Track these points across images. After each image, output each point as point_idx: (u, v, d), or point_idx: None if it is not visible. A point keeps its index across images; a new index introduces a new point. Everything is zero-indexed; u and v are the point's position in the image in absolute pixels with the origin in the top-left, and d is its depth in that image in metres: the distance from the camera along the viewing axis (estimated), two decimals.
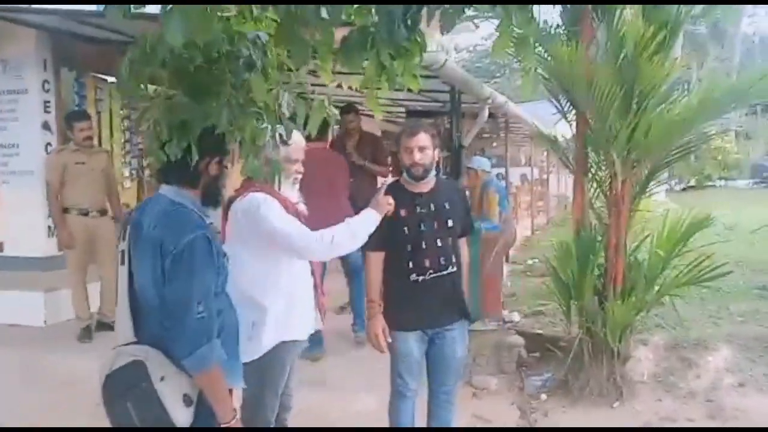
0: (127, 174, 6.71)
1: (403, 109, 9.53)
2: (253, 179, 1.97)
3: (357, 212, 2.79)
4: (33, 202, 5.62)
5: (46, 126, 5.75)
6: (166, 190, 2.00)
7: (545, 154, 17.64)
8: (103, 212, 5.30)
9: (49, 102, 5.76)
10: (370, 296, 2.96)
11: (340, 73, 1.95)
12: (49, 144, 5.74)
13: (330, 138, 5.56)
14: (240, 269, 2.36)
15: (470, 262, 4.70)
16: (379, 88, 1.86)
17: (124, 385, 1.81)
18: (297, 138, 2.80)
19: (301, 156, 2.82)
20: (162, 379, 1.79)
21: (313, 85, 2.18)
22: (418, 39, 1.73)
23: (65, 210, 5.17)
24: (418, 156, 2.86)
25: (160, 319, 1.86)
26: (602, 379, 4.22)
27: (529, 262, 9.05)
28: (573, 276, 4.28)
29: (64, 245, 5.22)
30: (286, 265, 2.60)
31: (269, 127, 1.87)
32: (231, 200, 2.60)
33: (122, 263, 1.98)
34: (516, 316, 5.11)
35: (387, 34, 1.60)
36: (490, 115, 8.09)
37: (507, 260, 8.84)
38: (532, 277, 8.19)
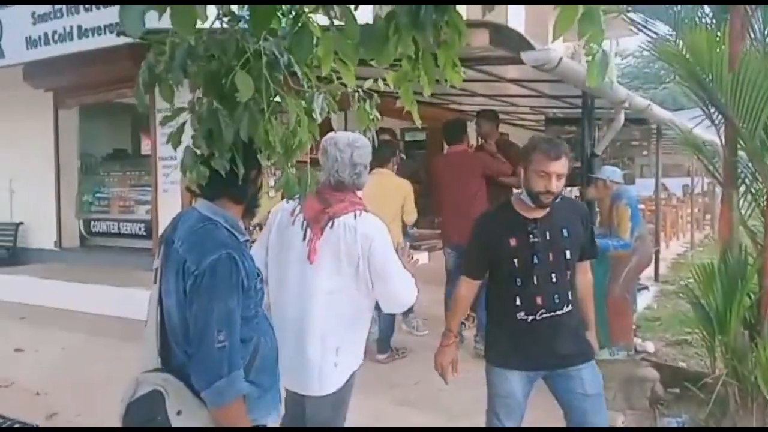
0: (271, 184, 7.00)
1: (542, 117, 8.92)
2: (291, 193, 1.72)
3: None
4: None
5: None
6: (200, 204, 1.80)
7: (693, 165, 15.76)
8: None
9: None
10: (449, 325, 2.61)
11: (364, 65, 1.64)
12: None
13: (468, 141, 5.25)
14: (339, 292, 2.28)
15: (597, 284, 4.20)
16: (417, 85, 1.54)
17: (143, 417, 1.66)
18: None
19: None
20: (179, 413, 1.62)
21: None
22: (457, 23, 1.39)
23: None
24: (554, 185, 2.39)
25: (183, 346, 1.70)
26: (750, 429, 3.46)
27: (682, 283, 7.99)
28: (717, 305, 3.57)
29: None
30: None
31: (300, 136, 1.63)
32: (329, 215, 2.34)
33: (155, 282, 1.81)
34: (650, 346, 4.43)
35: (409, 17, 1.29)
36: (641, 120, 7.26)
37: (656, 279, 7.90)
38: (683, 299, 7.19)
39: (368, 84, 1.73)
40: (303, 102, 1.65)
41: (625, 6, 4.16)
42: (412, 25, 1.31)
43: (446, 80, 1.54)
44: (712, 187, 17.14)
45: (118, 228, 7.60)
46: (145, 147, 7.51)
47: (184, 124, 1.69)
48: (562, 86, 6.43)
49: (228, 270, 1.65)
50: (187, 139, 1.70)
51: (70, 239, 8.21)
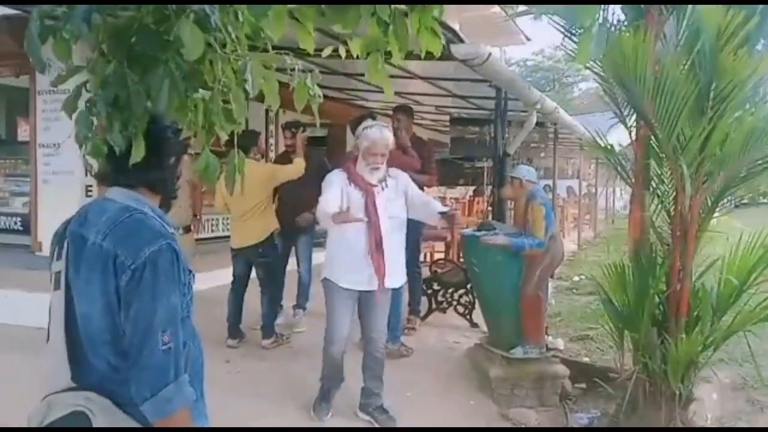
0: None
1: (446, 117, 8.92)
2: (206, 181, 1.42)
3: None
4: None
5: None
6: (115, 193, 1.53)
7: (592, 166, 16.71)
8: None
9: None
10: None
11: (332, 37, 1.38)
12: None
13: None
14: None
15: (512, 283, 4.15)
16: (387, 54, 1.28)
17: None
18: (381, 132, 3.28)
19: (382, 150, 3.27)
20: None
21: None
22: None
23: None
24: None
25: (108, 357, 1.43)
26: (660, 422, 3.50)
27: (576, 278, 8.30)
28: (629, 303, 3.60)
29: None
30: None
31: (235, 109, 1.33)
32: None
33: (57, 288, 1.50)
34: (560, 343, 4.45)
35: None
36: (539, 123, 7.41)
37: (552, 276, 8.13)
38: (578, 295, 7.44)
39: (327, 52, 1.44)
40: (233, 70, 1.33)
41: (514, 11, 4.09)
42: None
43: (422, 52, 1.28)
44: (590, 190, 18.26)
45: None
46: (23, 133, 6.66)
47: (82, 86, 1.36)
48: (468, 86, 6.43)
49: (170, 262, 1.43)
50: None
51: None
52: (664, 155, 3.46)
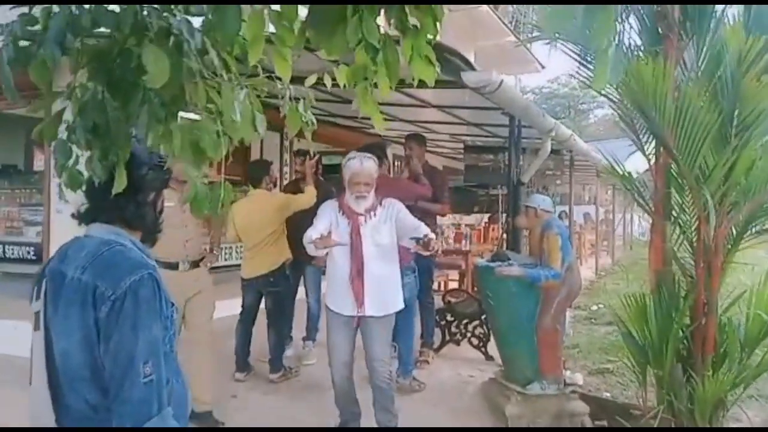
0: None
1: (461, 145, 8.81)
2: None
3: None
4: None
5: None
6: (95, 229, 1.51)
7: (609, 192, 16.47)
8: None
9: None
10: None
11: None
12: None
13: (389, 165, 4.89)
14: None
15: (527, 315, 3.97)
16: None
17: None
18: (362, 162, 3.33)
19: (365, 179, 3.30)
20: None
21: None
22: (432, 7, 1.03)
23: None
24: None
25: (86, 395, 1.39)
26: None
27: (594, 308, 8.04)
28: (651, 337, 3.40)
29: None
30: None
31: (221, 139, 1.22)
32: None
33: (37, 328, 1.47)
34: (579, 378, 4.24)
35: None
36: (555, 151, 7.28)
37: (569, 306, 7.90)
38: (597, 325, 7.19)
39: (310, 81, 1.34)
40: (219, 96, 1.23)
41: (528, 37, 4.00)
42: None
43: (414, 80, 1.16)
44: (607, 216, 17.99)
45: (4, 251, 6.66)
46: (38, 162, 6.67)
47: (61, 113, 1.29)
48: (482, 114, 6.33)
49: (151, 292, 1.39)
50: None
51: None
52: (686, 184, 3.30)
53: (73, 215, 1.55)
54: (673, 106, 2.88)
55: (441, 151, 11.21)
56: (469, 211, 10.18)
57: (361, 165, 3.34)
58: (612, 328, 6.83)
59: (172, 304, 1.51)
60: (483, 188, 9.93)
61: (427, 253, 3.28)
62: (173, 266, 3.60)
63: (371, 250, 3.32)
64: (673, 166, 3.32)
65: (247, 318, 4.65)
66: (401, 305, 3.50)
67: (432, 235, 3.16)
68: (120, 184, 1.28)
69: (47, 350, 1.43)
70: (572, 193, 8.44)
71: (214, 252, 4.14)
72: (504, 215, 9.72)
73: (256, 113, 1.26)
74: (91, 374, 1.37)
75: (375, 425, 3.47)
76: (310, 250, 3.29)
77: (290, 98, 1.30)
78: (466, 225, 10.09)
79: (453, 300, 5.72)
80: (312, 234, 3.24)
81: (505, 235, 6.17)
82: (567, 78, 36.88)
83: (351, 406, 3.54)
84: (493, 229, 10.72)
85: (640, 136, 3.56)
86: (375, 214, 3.37)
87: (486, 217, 11.65)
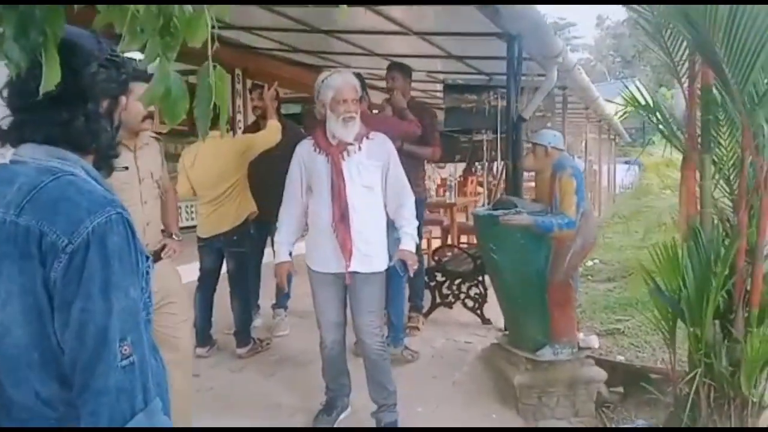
0: None
1: (437, 86, 8.47)
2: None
3: None
4: None
5: None
6: (26, 151, 1.14)
7: (587, 142, 16.42)
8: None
9: None
10: None
11: None
12: None
13: (369, 102, 4.50)
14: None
15: (537, 270, 3.74)
16: None
17: None
18: (344, 77, 3.00)
19: (352, 95, 2.95)
20: None
21: None
22: None
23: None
24: None
25: (36, 386, 1.09)
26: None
27: (589, 263, 7.94)
28: (686, 292, 3.20)
29: None
30: None
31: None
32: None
33: None
34: (594, 341, 4.05)
35: None
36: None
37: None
38: (594, 282, 7.09)
39: None
40: None
41: None
42: None
43: None
44: (590, 165, 18.02)
45: None
46: None
47: None
48: (467, 43, 5.98)
49: (124, 238, 1.08)
50: None
51: None
52: (728, 109, 3.05)
53: None
54: (726, 12, 2.60)
55: (414, 94, 10.83)
56: (450, 159, 9.87)
57: (343, 78, 2.99)
58: (612, 285, 6.75)
59: (147, 257, 1.19)
60: (465, 134, 9.62)
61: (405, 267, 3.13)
62: None
63: (357, 190, 2.98)
64: (715, 88, 3.06)
65: (207, 284, 4.29)
66: (387, 262, 3.20)
67: (416, 241, 3.13)
68: (51, 78, 0.92)
69: None
70: (565, 136, 8.20)
71: (176, 237, 3.08)
72: (487, 163, 9.50)
73: None
74: (41, 357, 1.07)
75: (369, 403, 3.22)
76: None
77: None
78: (449, 176, 9.81)
79: (442, 258, 5.47)
80: (282, 216, 3.15)
81: (502, 183, 5.92)
82: None
83: (340, 377, 3.29)
84: (471, 182, 10.45)
85: (673, 56, 3.28)
86: (360, 148, 3.01)
87: (460, 168, 11.35)
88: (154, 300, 1.22)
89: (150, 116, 2.76)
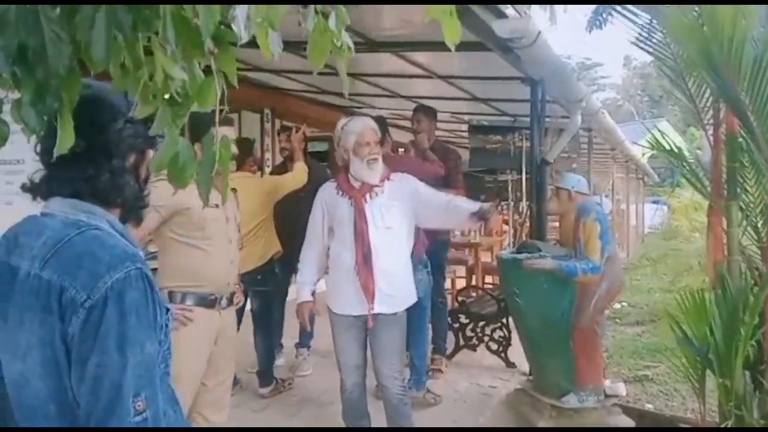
0: None
1: (463, 126, 8.50)
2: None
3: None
4: None
5: None
6: (57, 204, 1.18)
7: (613, 181, 16.26)
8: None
9: None
10: None
11: None
12: None
13: (391, 143, 4.53)
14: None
15: (561, 315, 3.67)
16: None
17: None
18: (363, 121, 3.07)
19: (373, 138, 2.99)
20: None
21: None
22: None
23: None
24: None
25: None
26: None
27: (617, 306, 7.77)
28: (714, 341, 3.10)
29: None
30: None
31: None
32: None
33: None
34: (622, 388, 3.95)
35: None
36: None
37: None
38: (622, 325, 6.92)
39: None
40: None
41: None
42: None
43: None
44: (617, 204, 17.80)
45: None
46: None
47: None
48: (492, 87, 6.01)
49: (142, 294, 1.09)
50: None
51: None
52: (758, 155, 3.00)
53: (24, 186, 1.21)
54: (751, 57, 2.57)
55: (439, 134, 10.87)
56: (475, 199, 9.85)
57: (363, 122, 3.06)
58: (641, 329, 6.58)
59: (167, 310, 1.22)
60: (490, 174, 9.62)
61: (490, 226, 3.01)
62: (210, 303, 2.66)
63: (380, 232, 2.98)
64: (741, 135, 3.02)
65: None
66: (414, 298, 3.18)
67: (486, 205, 2.92)
68: (65, 141, 0.94)
69: None
70: (591, 178, 8.13)
71: (239, 285, 2.96)
72: (512, 203, 9.45)
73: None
74: (57, 410, 1.08)
75: None
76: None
77: (315, 11, 0.95)
78: None
79: (466, 299, 5.41)
80: (304, 256, 3.16)
81: (527, 224, 5.88)
82: (564, 60, 36.76)
83: (361, 420, 3.25)
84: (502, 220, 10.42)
85: (697, 102, 3.25)
86: (382, 191, 3.04)
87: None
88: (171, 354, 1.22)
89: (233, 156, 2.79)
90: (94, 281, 1.06)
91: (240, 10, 0.89)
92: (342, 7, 1.02)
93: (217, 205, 2.61)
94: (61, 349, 1.06)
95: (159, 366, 1.12)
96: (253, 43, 0.91)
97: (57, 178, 1.17)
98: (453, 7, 0.89)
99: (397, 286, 3.06)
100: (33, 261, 1.11)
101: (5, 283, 1.13)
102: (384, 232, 3.00)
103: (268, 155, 8.74)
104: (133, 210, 1.25)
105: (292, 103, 8.23)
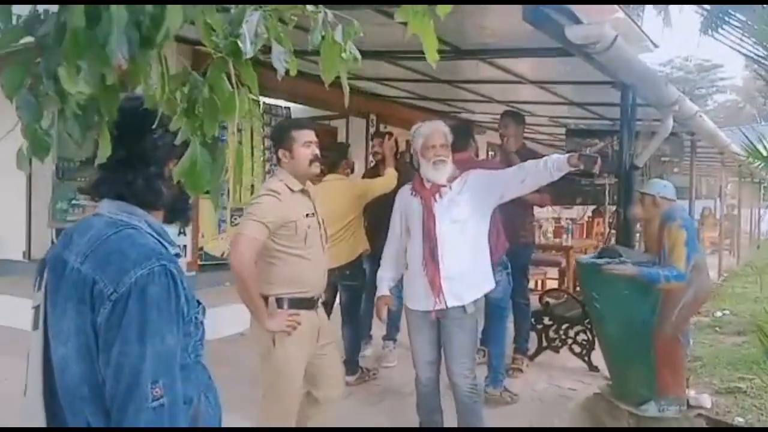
0: None
1: (561, 130, 8.19)
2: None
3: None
4: None
5: None
6: (105, 206, 1.27)
7: (729, 185, 15.00)
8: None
9: None
10: None
11: None
12: None
13: (476, 149, 4.46)
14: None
15: (643, 322, 3.44)
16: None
17: None
18: (433, 125, 3.06)
19: (440, 141, 2.99)
20: None
21: None
22: None
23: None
24: None
25: (88, 417, 1.15)
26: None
27: (718, 314, 7.19)
28: None
29: None
30: None
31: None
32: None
33: (35, 327, 1.24)
34: (706, 399, 3.64)
35: None
36: (672, 133, 6.51)
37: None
38: (722, 335, 6.39)
39: None
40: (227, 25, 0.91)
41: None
42: None
43: None
44: (730, 210, 16.42)
45: None
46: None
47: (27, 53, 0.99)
48: (588, 90, 5.75)
49: (164, 289, 1.14)
50: None
51: (40, 250, 7.46)
52: None
53: (81, 189, 1.35)
54: None
55: (538, 138, 10.55)
56: (571, 202, 9.47)
57: (432, 126, 3.07)
58: (741, 339, 6.05)
59: (199, 303, 1.26)
60: (587, 177, 9.20)
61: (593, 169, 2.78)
62: (310, 303, 2.73)
63: (447, 227, 2.95)
64: None
65: None
66: (491, 285, 3.10)
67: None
68: (104, 152, 0.99)
69: (45, 355, 1.21)
70: (693, 185, 7.57)
71: None
72: (612, 207, 8.96)
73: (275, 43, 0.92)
74: (90, 391, 1.14)
75: None
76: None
77: (323, 25, 0.96)
78: (567, 218, 9.41)
79: (552, 301, 5.22)
80: (384, 253, 3.23)
81: (613, 230, 5.58)
82: (682, 61, 34.35)
83: (433, 414, 3.23)
84: (597, 224, 9.95)
85: None
86: (451, 188, 3.01)
87: (590, 209, 10.88)
88: (202, 343, 1.27)
89: (317, 159, 2.79)
90: (121, 276, 1.12)
91: (247, 27, 0.91)
92: (354, 21, 1.01)
93: (313, 214, 2.70)
94: (92, 337, 1.13)
95: (189, 354, 1.17)
96: None
97: (105, 182, 1.25)
98: (432, 21, 0.85)
99: (463, 282, 2.98)
100: (77, 256, 1.19)
101: (58, 275, 1.21)
102: (451, 227, 2.96)
103: (371, 158, 8.90)
104: (175, 212, 1.32)
105: (395, 108, 8.37)
